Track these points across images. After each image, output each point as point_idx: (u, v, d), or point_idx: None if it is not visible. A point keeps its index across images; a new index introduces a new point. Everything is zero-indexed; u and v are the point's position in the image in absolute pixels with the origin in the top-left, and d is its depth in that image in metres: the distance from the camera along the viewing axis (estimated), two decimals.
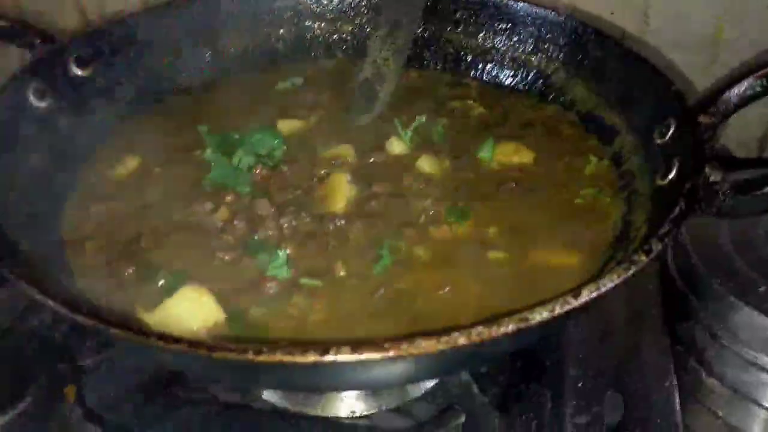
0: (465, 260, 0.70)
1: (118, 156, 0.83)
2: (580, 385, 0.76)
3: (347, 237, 0.72)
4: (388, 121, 0.89)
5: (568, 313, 0.53)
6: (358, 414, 0.77)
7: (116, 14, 1.05)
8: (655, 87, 0.79)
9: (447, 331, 0.50)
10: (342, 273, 0.68)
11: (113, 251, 0.70)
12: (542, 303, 0.53)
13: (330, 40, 1.04)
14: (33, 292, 0.53)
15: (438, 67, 1.01)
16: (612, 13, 1.17)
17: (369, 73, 0.93)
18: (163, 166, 0.82)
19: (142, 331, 0.49)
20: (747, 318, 0.82)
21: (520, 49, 0.97)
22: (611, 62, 0.87)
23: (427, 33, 1.01)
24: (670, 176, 0.70)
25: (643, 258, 0.56)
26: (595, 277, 0.56)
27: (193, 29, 0.96)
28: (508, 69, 0.98)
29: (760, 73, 0.75)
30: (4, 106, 0.75)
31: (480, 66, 1.00)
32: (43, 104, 0.80)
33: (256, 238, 0.71)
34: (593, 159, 0.84)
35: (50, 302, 0.52)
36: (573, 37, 0.92)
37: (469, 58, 1.00)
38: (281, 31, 1.02)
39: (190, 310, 0.62)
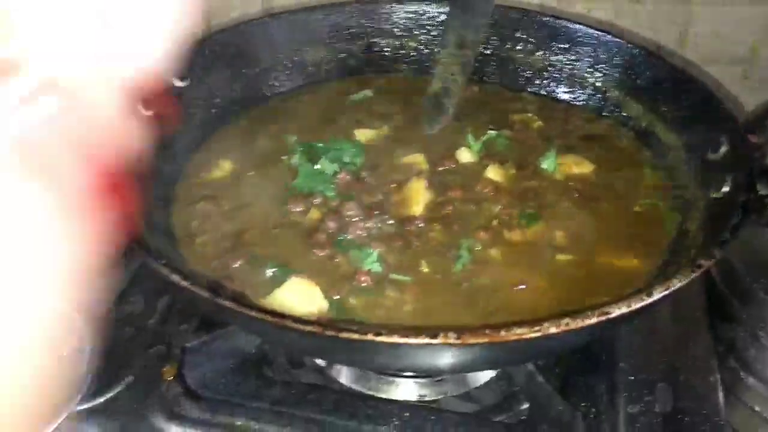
0: (536, 261, 0.78)
1: (214, 160, 0.91)
2: (632, 377, 0.84)
3: (428, 237, 0.80)
4: (455, 132, 0.97)
5: (640, 309, 0.61)
6: (427, 398, 0.85)
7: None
8: (707, 107, 0.87)
9: (538, 321, 0.58)
10: (426, 270, 0.76)
11: (221, 246, 0.79)
12: (621, 299, 0.60)
13: (397, 55, 1.12)
14: (180, 280, 0.61)
15: (498, 82, 1.09)
16: (651, 29, 1.24)
17: (437, 87, 1.01)
18: (255, 170, 0.90)
19: (283, 315, 0.57)
20: None
21: (577, 67, 1.04)
22: (664, 82, 0.94)
23: (488, 50, 1.09)
24: (724, 190, 0.77)
25: (706, 262, 0.64)
26: (662, 278, 0.64)
27: (279, 44, 1.04)
28: (565, 85, 1.06)
29: None
30: None
31: (538, 81, 1.08)
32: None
33: (347, 236, 0.80)
34: (648, 171, 0.91)
35: (204, 293, 0.60)
36: (627, 57, 0.99)
37: (528, 74, 1.08)
38: (353, 47, 1.10)
39: (298, 299, 0.70)
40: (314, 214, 0.83)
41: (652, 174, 0.90)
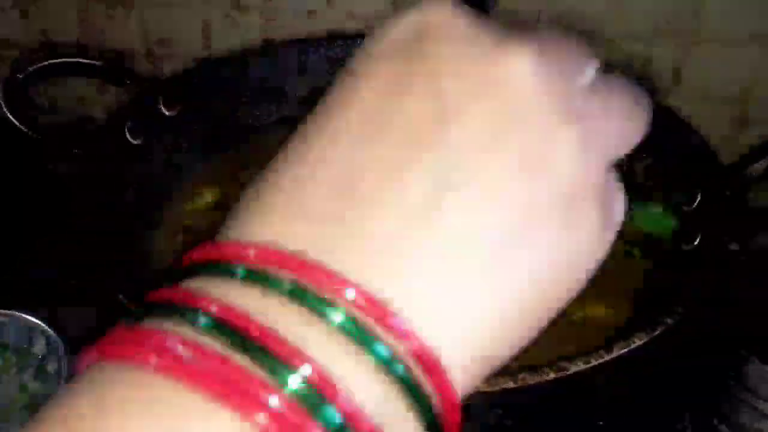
0: None
1: (200, 190, 0.93)
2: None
3: None
4: None
5: (599, 366, 0.62)
6: None
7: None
8: (685, 155, 0.88)
9: (499, 375, 0.59)
10: None
11: None
12: (579, 355, 0.61)
13: None
14: None
15: None
16: (644, 66, 1.25)
17: None
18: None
19: None
20: (756, 370, 0.89)
21: None
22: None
23: None
24: (694, 243, 0.79)
25: (669, 321, 0.65)
26: (624, 334, 0.65)
27: (272, 75, 1.07)
28: None
29: None
30: (106, 144, 0.86)
31: None
32: (137, 142, 0.90)
33: None
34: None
35: None
36: None
37: None
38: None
39: None
40: None
41: (627, 218, 0.91)
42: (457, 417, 0.25)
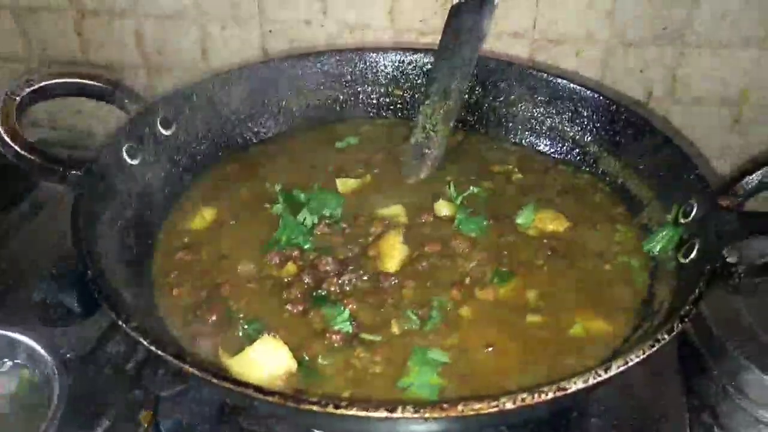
0: (506, 322, 0.79)
1: (196, 208, 0.93)
2: None
3: (401, 295, 0.81)
4: (436, 182, 0.99)
5: (598, 384, 0.62)
6: None
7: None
8: (681, 169, 0.88)
9: (494, 396, 0.59)
10: (396, 330, 0.77)
11: (197, 299, 0.80)
12: (577, 374, 0.61)
13: (382, 102, 1.14)
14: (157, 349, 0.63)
15: (480, 132, 1.11)
16: (641, 71, 1.25)
17: (419, 138, 1.03)
18: (236, 219, 0.92)
19: (244, 384, 0.59)
20: (757, 379, 0.89)
21: (558, 120, 1.06)
22: (642, 140, 0.95)
23: (471, 99, 1.11)
24: (692, 256, 0.79)
25: (666, 336, 0.65)
26: (623, 351, 0.65)
27: (267, 90, 1.07)
28: (545, 138, 1.07)
29: None
30: (105, 164, 0.86)
31: (519, 133, 1.09)
32: (135, 161, 0.91)
33: (321, 292, 0.81)
34: (621, 228, 0.92)
35: (175, 360, 0.61)
36: (606, 113, 1.01)
37: (510, 125, 1.10)
38: (339, 94, 1.12)
39: (268, 359, 0.71)
40: (290, 268, 0.84)
41: (625, 231, 0.92)
42: None
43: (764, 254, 0.88)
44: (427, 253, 0.86)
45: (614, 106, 0.99)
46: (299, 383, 0.72)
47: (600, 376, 0.62)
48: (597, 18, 1.18)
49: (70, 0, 1.38)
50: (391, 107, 1.14)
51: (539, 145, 1.08)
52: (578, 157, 1.04)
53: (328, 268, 0.83)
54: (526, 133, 1.09)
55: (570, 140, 1.05)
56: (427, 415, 0.58)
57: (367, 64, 1.11)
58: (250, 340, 0.74)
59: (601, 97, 1.01)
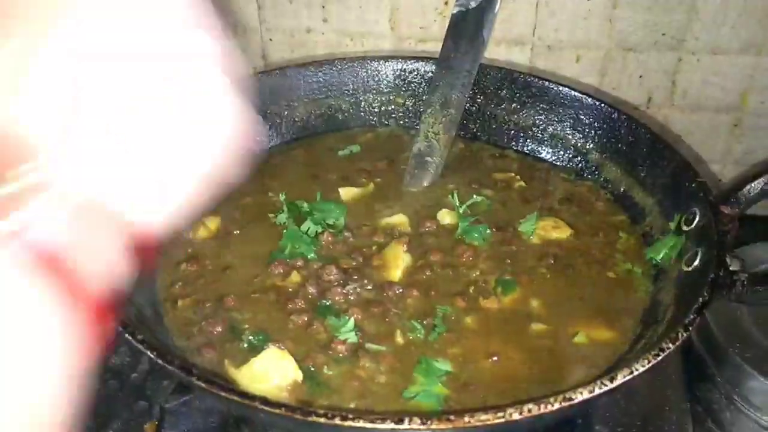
0: (511, 330, 0.79)
1: (201, 218, 0.93)
2: None
3: (405, 304, 0.82)
4: (439, 190, 1.00)
5: (603, 393, 0.62)
6: None
7: None
8: (682, 176, 0.88)
9: (501, 407, 0.60)
10: (401, 340, 0.78)
11: (202, 310, 0.81)
12: (583, 384, 0.62)
13: (384, 110, 1.15)
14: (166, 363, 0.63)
15: (482, 139, 1.11)
16: (641, 77, 1.26)
17: (421, 146, 1.03)
18: (240, 229, 0.92)
19: (251, 396, 0.59)
20: (760, 386, 0.90)
21: (559, 128, 1.06)
22: (643, 148, 0.96)
23: (473, 107, 1.11)
24: (695, 263, 0.79)
25: (671, 345, 0.65)
26: (628, 360, 0.66)
27: (268, 99, 1.07)
28: (547, 145, 1.08)
29: None
30: None
31: (521, 140, 1.10)
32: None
33: (325, 302, 0.81)
34: (624, 235, 0.93)
35: (182, 373, 0.62)
36: (608, 121, 1.01)
37: (512, 133, 1.10)
38: (340, 102, 1.13)
39: (274, 370, 0.72)
40: (295, 278, 0.84)
41: (628, 238, 0.92)
42: None
43: (766, 261, 0.89)
44: (430, 262, 0.87)
45: (615, 114, 1.00)
46: (305, 394, 0.72)
47: (606, 385, 0.62)
48: (596, 24, 1.18)
49: None
50: (393, 116, 1.15)
51: (541, 153, 1.08)
52: (580, 165, 1.05)
53: (332, 277, 0.83)
54: (528, 140, 1.09)
55: (572, 148, 1.06)
56: (434, 426, 0.58)
57: (369, 72, 1.11)
58: (256, 351, 0.74)
59: (602, 105, 1.01)
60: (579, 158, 1.05)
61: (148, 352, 0.65)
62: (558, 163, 1.07)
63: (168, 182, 0.41)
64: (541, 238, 0.92)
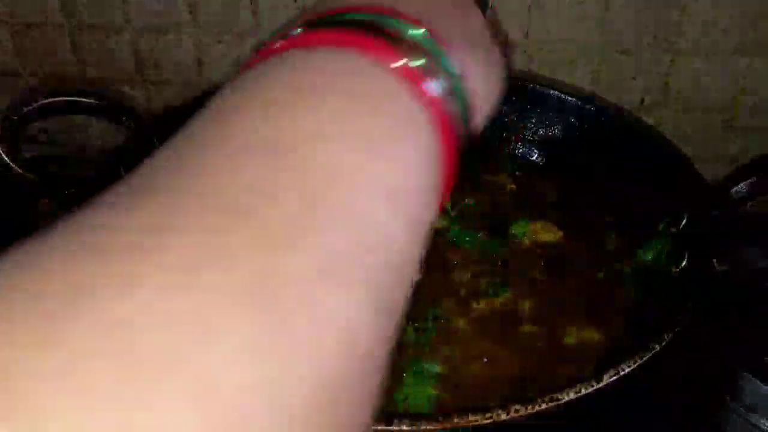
0: (501, 332, 0.80)
1: None
2: None
3: None
4: None
5: (590, 394, 0.63)
6: None
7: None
8: (673, 177, 0.89)
9: (488, 408, 0.60)
10: None
11: None
12: (569, 385, 0.63)
13: None
14: None
15: (473, 142, 1.12)
16: (634, 79, 1.27)
17: None
18: None
19: None
20: (755, 388, 0.90)
21: (550, 131, 1.07)
22: (632, 150, 0.97)
23: None
24: (684, 264, 0.80)
25: (657, 347, 0.66)
26: (615, 361, 0.66)
27: None
28: (537, 147, 1.09)
29: None
30: (105, 182, 0.87)
31: (512, 143, 1.11)
32: None
33: None
34: (613, 236, 0.94)
35: None
36: (599, 122, 1.02)
37: (502, 135, 1.11)
38: None
39: None
40: None
41: (616, 240, 0.93)
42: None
43: (755, 262, 0.90)
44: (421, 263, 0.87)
45: (607, 115, 1.01)
46: None
47: (593, 386, 0.63)
48: (589, 26, 1.19)
49: (66, 16, 1.39)
50: None
51: (532, 156, 1.09)
52: (570, 167, 1.05)
53: None
54: (519, 143, 1.10)
55: (562, 150, 1.06)
56: (423, 427, 0.59)
57: None
58: None
59: (593, 107, 1.02)
60: (569, 160, 1.06)
61: None
62: (548, 166, 1.08)
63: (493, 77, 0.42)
64: (532, 241, 0.93)
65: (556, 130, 1.07)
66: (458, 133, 0.35)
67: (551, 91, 1.06)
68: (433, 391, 0.73)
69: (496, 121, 1.12)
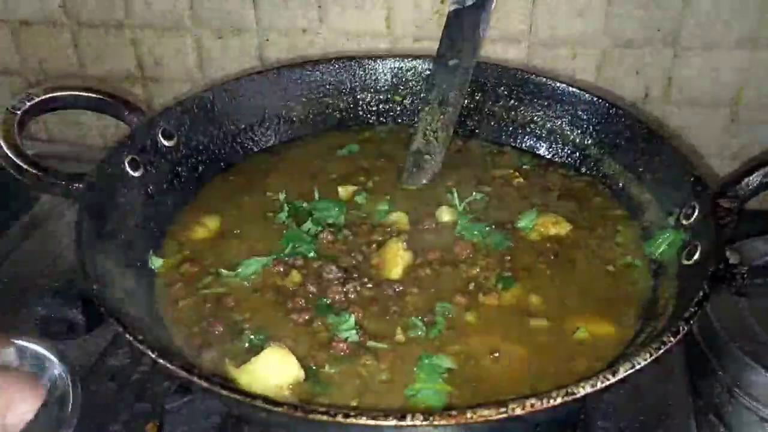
0: (511, 327, 0.79)
1: (200, 219, 0.93)
2: None
3: (405, 302, 0.81)
4: (437, 188, 1.00)
5: (606, 387, 0.62)
6: None
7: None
8: (680, 171, 0.88)
9: (503, 403, 0.59)
10: (401, 337, 0.77)
11: (202, 310, 0.81)
12: (585, 378, 0.62)
13: (381, 109, 1.15)
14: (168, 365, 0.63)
15: (480, 136, 1.11)
16: (637, 73, 1.26)
17: (420, 144, 1.03)
18: (240, 228, 0.92)
19: (253, 395, 0.59)
20: (761, 378, 0.90)
21: (557, 124, 1.07)
22: (640, 143, 0.96)
23: (471, 104, 1.11)
24: (695, 257, 0.79)
25: (672, 339, 0.65)
26: (629, 354, 0.66)
27: (266, 100, 1.07)
28: (545, 141, 1.08)
29: None
30: (107, 177, 0.86)
31: (519, 137, 1.10)
32: (137, 173, 0.91)
33: (325, 301, 0.81)
34: (623, 230, 0.93)
35: (193, 378, 0.61)
36: (605, 117, 1.01)
37: (510, 129, 1.10)
38: (338, 101, 1.13)
39: (275, 369, 0.71)
40: (295, 277, 0.84)
41: (626, 233, 0.92)
42: None
43: (765, 254, 0.89)
44: (430, 259, 0.87)
45: (613, 109, 1.00)
46: (306, 392, 0.72)
47: (608, 379, 0.62)
48: (592, 21, 1.19)
49: (67, 13, 1.38)
50: (391, 114, 1.15)
51: (539, 149, 1.08)
52: (578, 160, 1.05)
53: (331, 276, 0.83)
54: (526, 137, 1.09)
55: (570, 143, 1.06)
56: (436, 422, 0.58)
57: (366, 71, 1.11)
58: (256, 350, 0.74)
59: (599, 100, 1.02)
60: (577, 154, 1.05)
61: (149, 352, 0.65)
62: (556, 159, 1.07)
63: None
64: (540, 234, 0.92)
65: (563, 124, 1.06)
66: None
67: (557, 84, 1.05)
68: (444, 387, 0.72)
69: (503, 116, 1.13)
